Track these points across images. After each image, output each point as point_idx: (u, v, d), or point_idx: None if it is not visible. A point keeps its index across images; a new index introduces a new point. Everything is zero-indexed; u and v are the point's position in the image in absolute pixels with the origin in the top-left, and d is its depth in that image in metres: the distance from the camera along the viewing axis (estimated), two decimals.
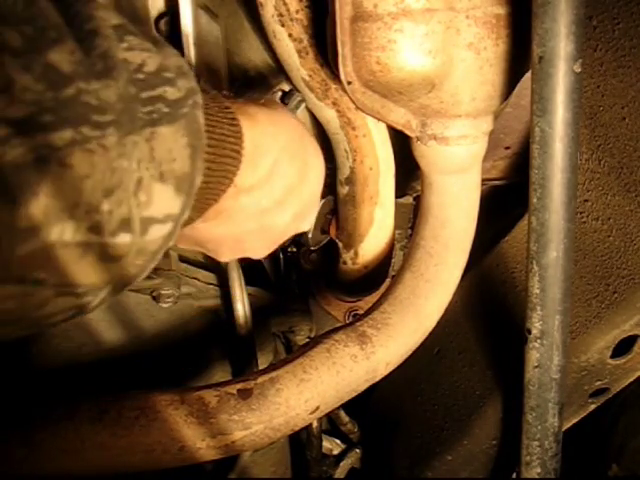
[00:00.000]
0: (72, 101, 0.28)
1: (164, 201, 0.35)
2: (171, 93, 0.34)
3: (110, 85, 0.30)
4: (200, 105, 0.37)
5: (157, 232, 0.35)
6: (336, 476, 1.15)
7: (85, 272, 0.32)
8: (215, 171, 0.42)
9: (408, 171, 0.85)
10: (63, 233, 0.30)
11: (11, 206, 0.26)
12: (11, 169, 0.26)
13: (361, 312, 0.94)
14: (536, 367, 0.68)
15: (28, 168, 0.27)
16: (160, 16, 0.68)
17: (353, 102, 0.68)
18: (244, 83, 0.85)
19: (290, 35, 0.69)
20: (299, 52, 0.70)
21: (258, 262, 0.98)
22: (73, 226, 0.30)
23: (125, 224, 0.33)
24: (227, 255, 0.57)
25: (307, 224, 0.61)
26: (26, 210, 0.27)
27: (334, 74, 0.68)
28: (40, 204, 0.28)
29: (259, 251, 0.58)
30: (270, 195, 0.51)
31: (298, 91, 0.76)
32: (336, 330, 0.67)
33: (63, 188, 0.28)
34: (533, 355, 0.67)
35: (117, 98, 0.31)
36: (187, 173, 0.36)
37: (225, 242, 0.54)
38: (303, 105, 0.78)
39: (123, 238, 0.33)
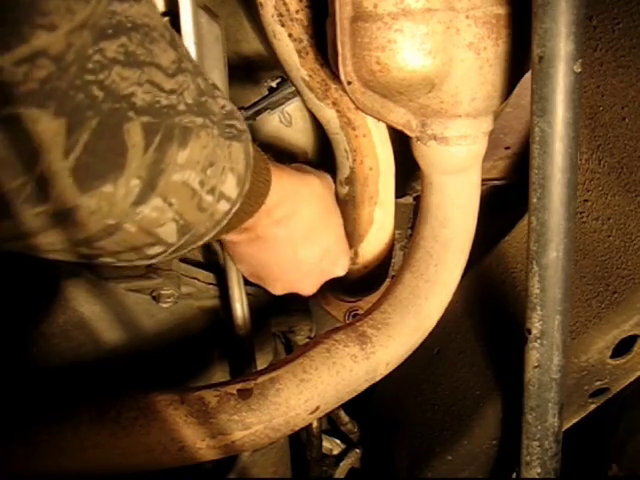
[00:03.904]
0: (204, 104, 0.47)
1: (231, 186, 0.52)
2: (238, 125, 0.53)
3: (215, 104, 0.49)
4: (250, 140, 0.55)
5: (223, 206, 0.52)
6: (336, 476, 1.15)
7: (189, 210, 0.49)
8: (252, 191, 0.57)
9: (408, 171, 0.86)
10: (189, 177, 0.46)
11: (179, 149, 0.45)
12: (181, 129, 0.45)
13: (361, 312, 0.94)
14: (536, 367, 0.68)
15: (184, 130, 0.45)
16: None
17: (353, 102, 0.68)
18: (243, 80, 0.85)
19: (290, 35, 0.69)
20: (299, 52, 0.71)
21: None
22: (194, 175, 0.47)
23: (212, 189, 0.50)
24: (279, 288, 0.74)
25: (340, 268, 0.77)
26: (179, 154, 0.45)
27: (334, 74, 0.68)
28: (185, 153, 0.45)
29: (303, 286, 0.75)
30: (295, 229, 0.68)
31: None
32: (336, 330, 0.68)
33: (194, 147, 0.46)
34: (533, 355, 0.67)
35: (218, 111, 0.49)
36: (242, 175, 0.53)
37: (271, 271, 0.72)
38: (296, 97, 0.78)
39: (209, 198, 0.50)
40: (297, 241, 0.69)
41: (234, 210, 0.54)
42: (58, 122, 0.37)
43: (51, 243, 0.44)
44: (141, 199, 0.44)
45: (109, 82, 0.39)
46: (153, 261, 0.52)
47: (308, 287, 0.75)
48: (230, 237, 0.65)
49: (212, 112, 0.48)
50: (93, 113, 0.38)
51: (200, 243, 0.54)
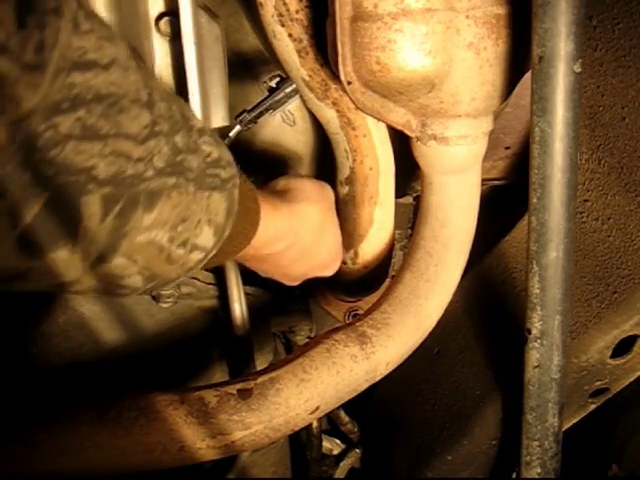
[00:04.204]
0: (180, 163, 0.46)
1: (206, 237, 0.51)
2: (222, 174, 0.52)
3: (195, 158, 0.48)
4: (237, 186, 0.54)
5: (196, 256, 0.51)
6: (336, 476, 1.15)
7: (157, 265, 0.48)
8: (236, 233, 0.57)
9: (408, 171, 0.86)
10: (156, 236, 0.46)
11: (144, 213, 0.44)
12: (147, 194, 0.44)
13: (361, 312, 0.94)
14: (536, 367, 0.68)
15: (151, 195, 0.44)
16: (160, 16, 0.68)
17: (353, 102, 0.68)
18: (243, 80, 0.85)
19: (290, 35, 0.69)
20: (299, 52, 0.71)
21: None
22: (162, 233, 0.46)
23: (184, 243, 0.49)
24: (263, 275, 0.76)
25: (329, 273, 0.79)
26: (145, 217, 0.44)
27: (334, 74, 0.68)
28: (152, 216, 0.44)
29: (286, 282, 0.77)
30: (283, 260, 0.69)
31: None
32: (336, 330, 0.68)
33: (162, 209, 0.45)
34: (533, 355, 0.67)
35: (197, 166, 0.48)
36: (222, 224, 0.53)
37: (264, 272, 0.75)
38: (297, 96, 0.78)
39: (180, 251, 0.49)
40: (285, 265, 0.71)
41: (210, 256, 0.54)
42: (0, 205, 0.36)
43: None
44: (101, 260, 0.43)
45: (61, 158, 0.37)
46: (123, 297, 0.51)
47: (291, 283, 0.78)
48: None
49: (189, 169, 0.47)
50: (42, 189, 0.37)
51: (173, 284, 0.54)
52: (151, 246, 0.46)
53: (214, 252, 0.54)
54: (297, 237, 0.68)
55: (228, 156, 0.54)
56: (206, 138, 0.50)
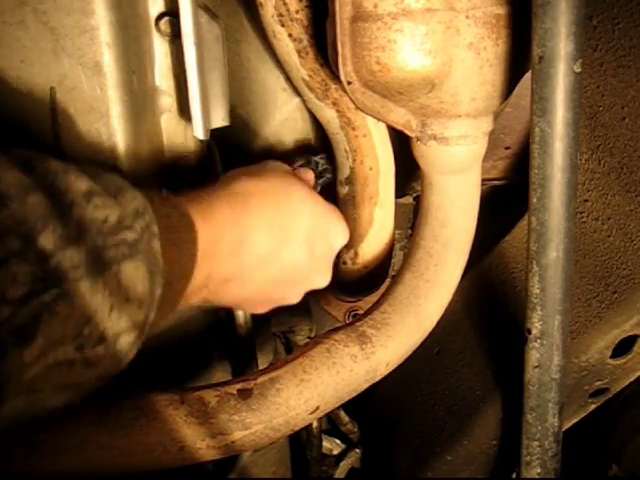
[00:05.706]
0: (55, 270, 0.38)
1: (130, 315, 0.44)
2: (130, 236, 0.44)
3: (80, 246, 0.40)
4: (155, 234, 0.46)
5: (126, 339, 0.44)
6: (336, 476, 1.15)
7: (72, 378, 0.42)
8: (176, 272, 0.50)
9: (408, 171, 0.86)
10: (56, 356, 0.39)
11: (16, 353, 0.36)
12: (12, 331, 0.36)
13: (361, 312, 0.94)
14: (536, 367, 0.68)
15: (20, 329, 0.36)
16: (160, 16, 0.68)
17: (353, 102, 0.68)
18: None
19: (290, 35, 0.69)
20: (299, 52, 0.71)
21: None
22: (62, 349, 0.39)
23: (101, 340, 0.42)
24: (258, 309, 0.69)
25: (323, 280, 0.69)
26: (23, 355, 0.37)
27: (334, 74, 0.68)
28: (34, 348, 0.37)
29: (289, 300, 0.69)
30: (244, 264, 0.59)
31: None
32: (336, 330, 0.68)
33: (51, 331, 0.38)
34: (533, 355, 0.67)
35: (85, 255, 0.40)
36: (146, 291, 0.45)
37: (243, 302, 0.66)
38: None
39: (100, 348, 0.42)
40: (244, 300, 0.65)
41: (147, 325, 0.46)
42: None
43: None
44: None
45: None
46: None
47: (258, 309, 0.70)
48: None
49: (72, 266, 0.39)
50: None
51: (117, 372, 0.46)
52: (54, 368, 0.39)
53: (151, 318, 0.46)
54: (245, 232, 0.58)
55: (135, 203, 0.46)
56: (96, 201, 0.42)
